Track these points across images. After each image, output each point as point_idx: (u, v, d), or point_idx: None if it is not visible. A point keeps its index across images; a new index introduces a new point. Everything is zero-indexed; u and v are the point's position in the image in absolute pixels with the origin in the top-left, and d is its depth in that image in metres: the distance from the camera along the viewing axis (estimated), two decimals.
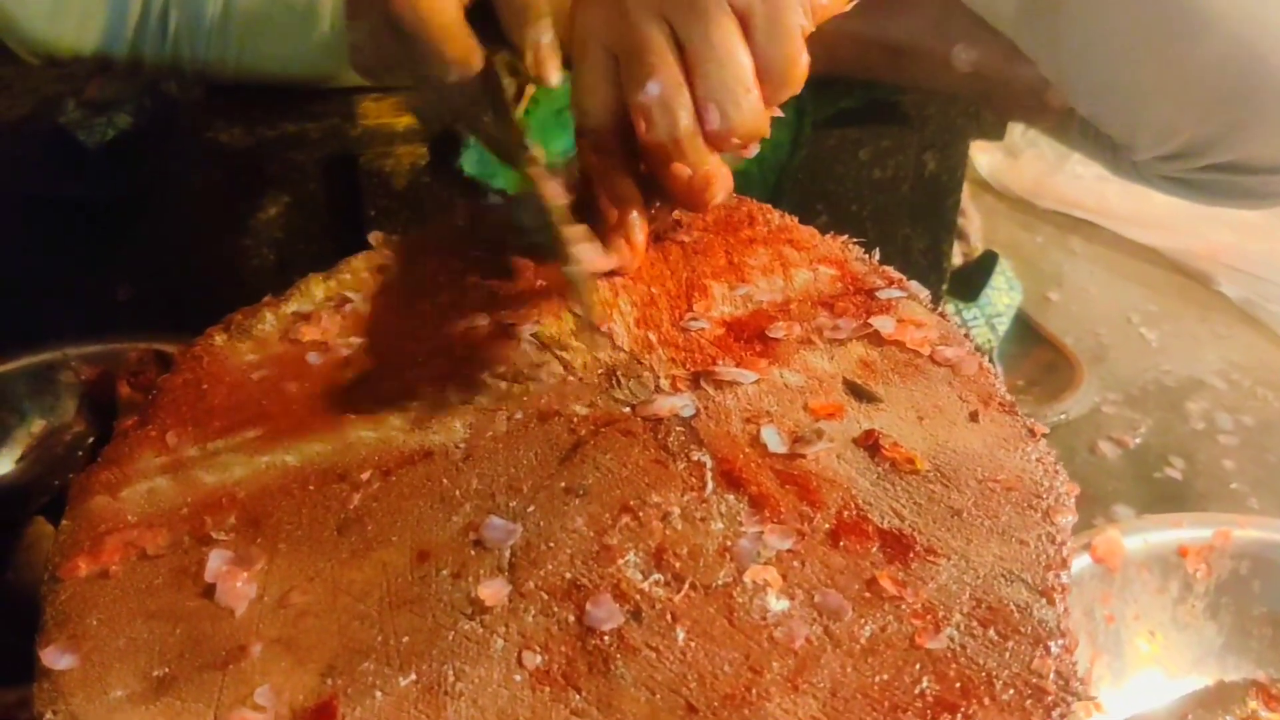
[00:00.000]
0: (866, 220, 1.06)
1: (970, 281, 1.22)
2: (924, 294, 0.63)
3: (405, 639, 0.46)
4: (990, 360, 1.18)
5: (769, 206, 0.70)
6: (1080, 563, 0.86)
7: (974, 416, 0.55)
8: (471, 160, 0.95)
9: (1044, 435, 0.55)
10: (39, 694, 0.45)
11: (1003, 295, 1.21)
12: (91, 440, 0.87)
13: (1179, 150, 0.94)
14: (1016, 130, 1.54)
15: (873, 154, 1.04)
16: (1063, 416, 1.14)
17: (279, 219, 1.00)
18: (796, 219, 0.69)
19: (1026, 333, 1.25)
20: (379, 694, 0.44)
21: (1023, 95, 0.99)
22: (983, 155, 1.54)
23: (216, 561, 0.49)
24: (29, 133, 1.23)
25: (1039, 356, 1.22)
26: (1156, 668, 0.89)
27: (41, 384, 0.95)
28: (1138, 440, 1.15)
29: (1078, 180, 1.49)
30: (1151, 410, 1.19)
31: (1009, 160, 1.54)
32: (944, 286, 1.16)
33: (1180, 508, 1.04)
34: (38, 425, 0.94)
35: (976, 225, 1.34)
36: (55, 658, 0.46)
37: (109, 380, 0.91)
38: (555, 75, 0.62)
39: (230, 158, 0.98)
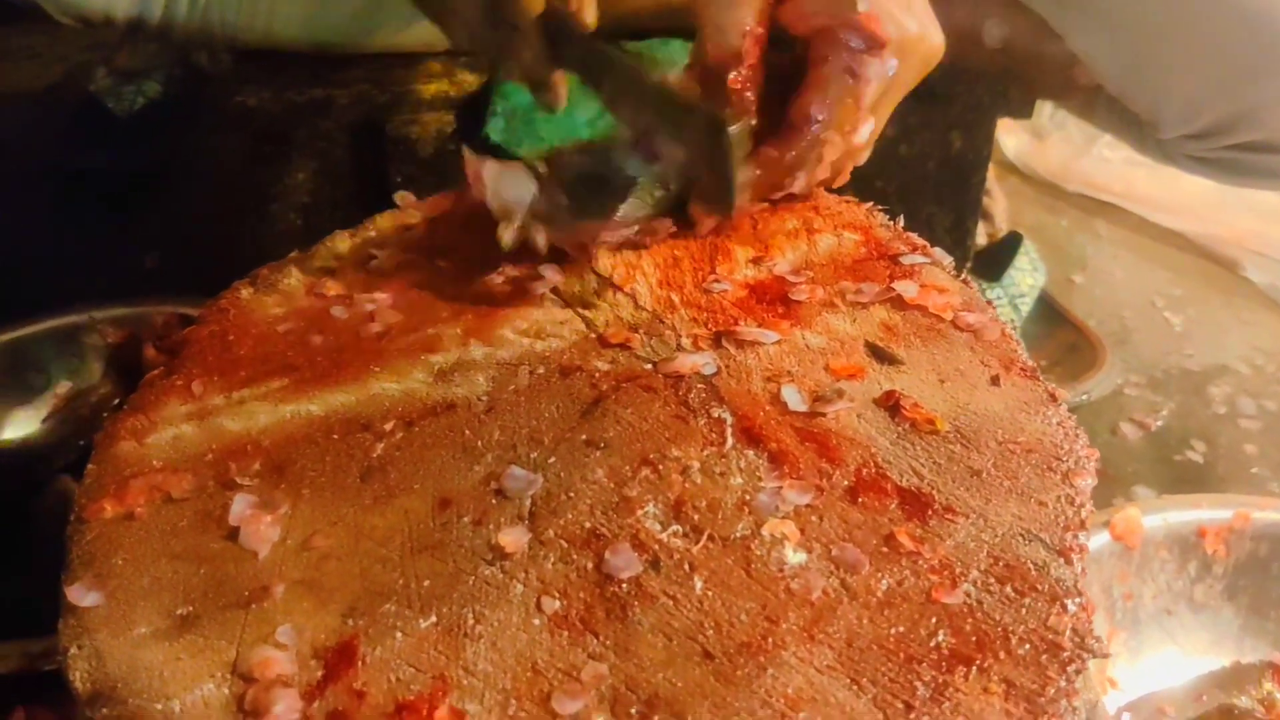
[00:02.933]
0: (892, 197, 1.06)
1: (994, 261, 1.21)
2: (947, 260, 0.63)
3: (426, 583, 0.46)
4: None
5: None
6: (1099, 540, 0.86)
7: (995, 380, 0.55)
8: (498, 128, 0.96)
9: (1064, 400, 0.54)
10: (64, 630, 0.46)
11: (1026, 276, 1.21)
12: (117, 402, 0.88)
13: (1205, 128, 0.93)
14: (1044, 113, 1.54)
15: (899, 130, 1.04)
16: (1084, 397, 1.13)
17: (306, 185, 1.00)
18: (821, 186, 0.69)
19: (1050, 314, 1.24)
20: (399, 635, 0.44)
21: (1051, 72, 0.99)
22: (1010, 138, 1.53)
23: (241, 505, 0.49)
24: (59, 101, 1.23)
25: (1062, 337, 1.22)
26: (1173, 647, 0.88)
27: (68, 346, 0.96)
28: (1159, 423, 1.14)
29: (1104, 164, 1.48)
30: (1174, 393, 1.18)
31: (1036, 143, 1.53)
32: (968, 265, 1.15)
33: (1200, 490, 1.03)
34: (63, 387, 0.94)
35: (1002, 206, 1.33)
36: (81, 595, 0.46)
37: (135, 343, 0.91)
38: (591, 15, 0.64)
39: (258, 123, 0.98)
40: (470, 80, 0.95)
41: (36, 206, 1.12)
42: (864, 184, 1.05)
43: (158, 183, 1.21)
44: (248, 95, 0.96)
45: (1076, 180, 1.49)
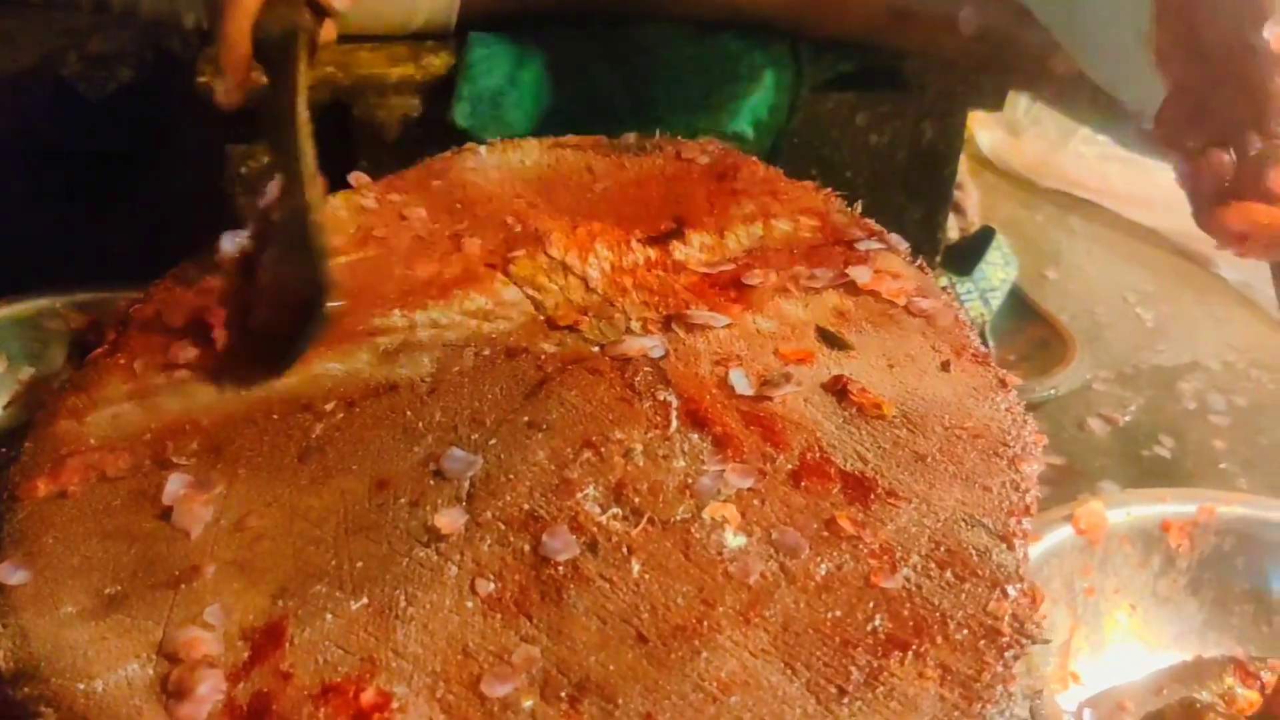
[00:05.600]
0: (861, 188, 1.05)
1: (966, 255, 1.21)
2: (903, 246, 0.63)
3: (359, 564, 0.45)
4: (983, 334, 1.18)
5: (755, 159, 0.70)
6: (1062, 534, 0.85)
7: (945, 366, 0.55)
8: (464, 112, 0.95)
9: (1015, 387, 0.54)
10: None
11: (998, 270, 1.20)
12: None
13: None
14: (1019, 108, 1.53)
15: (869, 119, 1.03)
16: (1052, 392, 1.13)
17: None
18: (781, 172, 0.69)
19: (1021, 309, 1.24)
20: (329, 616, 0.44)
21: (1027, 59, 0.98)
22: (985, 132, 1.52)
23: (175, 484, 0.49)
24: (31, 85, 1.22)
25: (1032, 332, 1.21)
26: (1136, 641, 0.88)
27: (31, 332, 0.94)
28: (1128, 418, 1.14)
29: (1079, 159, 1.47)
30: (1144, 389, 1.18)
31: (1011, 138, 1.53)
32: (938, 258, 1.15)
33: (1168, 485, 1.03)
34: (25, 373, 0.93)
35: (975, 200, 1.33)
36: (8, 573, 0.46)
37: (98, 328, 0.90)
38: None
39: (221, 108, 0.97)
40: (436, 64, 0.95)
41: (5, 190, 1.10)
42: (833, 174, 1.04)
43: (129, 167, 1.20)
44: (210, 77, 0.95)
45: (1051, 176, 1.48)
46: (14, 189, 1.13)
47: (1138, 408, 1.15)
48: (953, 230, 1.27)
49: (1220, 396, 1.19)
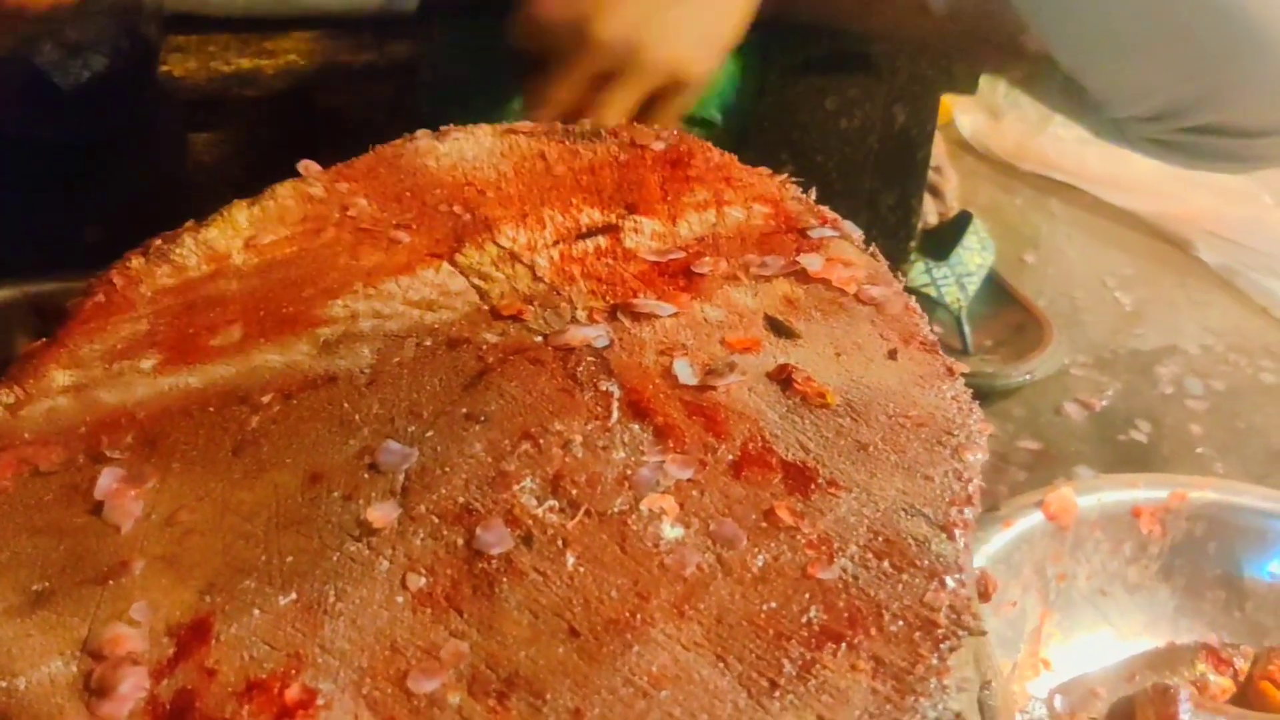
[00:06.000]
0: (833, 173, 1.05)
1: (942, 240, 1.20)
2: (857, 234, 0.62)
3: (289, 559, 0.45)
4: (959, 319, 1.17)
5: (709, 144, 0.69)
6: (1032, 520, 0.85)
7: (893, 354, 0.54)
8: (429, 100, 0.94)
9: (963, 375, 0.53)
10: None
11: (974, 255, 1.20)
12: None
13: (1159, 110, 0.92)
14: (999, 92, 1.53)
15: (839, 103, 1.02)
16: (1028, 377, 1.13)
17: (237, 158, 0.99)
18: (735, 158, 0.68)
19: (999, 293, 1.23)
20: (257, 611, 0.43)
21: (998, 39, 0.98)
22: (965, 116, 1.52)
23: (107, 479, 0.48)
24: (4, 73, 1.21)
25: (1009, 317, 1.21)
26: (1107, 628, 0.88)
27: None
28: (1104, 403, 1.13)
29: (1059, 143, 1.47)
30: (1121, 373, 1.18)
31: (991, 121, 1.52)
32: (913, 243, 1.14)
33: (1144, 470, 1.03)
34: None
35: (954, 185, 1.32)
36: None
37: (63, 317, 0.89)
38: None
39: (187, 95, 0.97)
40: (400, 51, 0.94)
41: None
42: (804, 159, 1.04)
43: (101, 156, 1.19)
44: (174, 65, 0.94)
45: (1031, 159, 1.48)
46: None
47: (1115, 392, 1.15)
48: (931, 215, 1.26)
49: (1198, 381, 1.19)
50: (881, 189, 1.08)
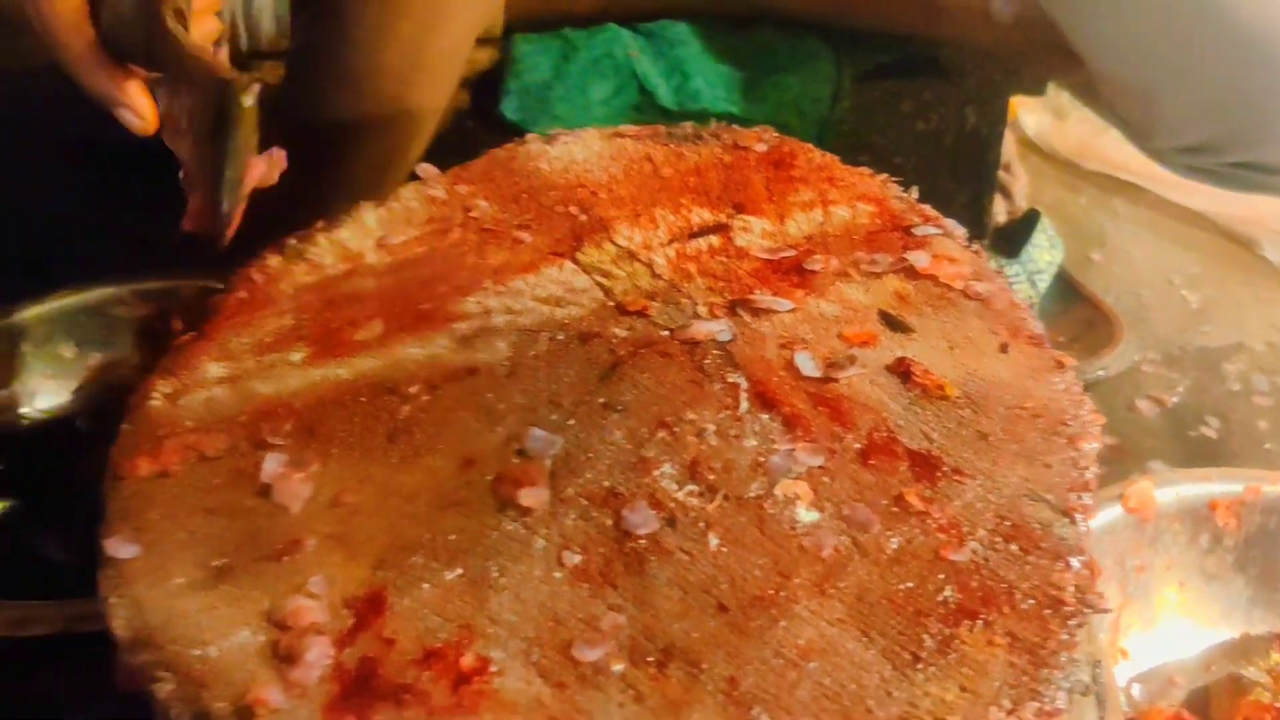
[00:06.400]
0: (911, 173, 1.05)
1: (1013, 238, 1.22)
2: (959, 231, 0.65)
3: (451, 537, 0.48)
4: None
5: (811, 145, 0.71)
6: (1112, 513, 0.86)
7: (1003, 348, 0.57)
8: (512, 106, 0.97)
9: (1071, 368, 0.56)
10: (103, 581, 0.47)
11: (1044, 253, 1.22)
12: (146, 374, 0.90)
13: (1196, 145, 0.93)
14: (1063, 92, 1.53)
15: (915, 106, 1.05)
16: (1101, 373, 1.14)
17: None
18: (836, 159, 0.71)
19: (1068, 291, 1.25)
20: (426, 585, 0.46)
21: (1056, 51, 0.99)
22: (1030, 116, 1.53)
23: (273, 464, 0.51)
24: (59, 75, 1.24)
25: (1079, 314, 1.22)
26: (1185, 617, 0.89)
27: (98, 319, 0.97)
28: (1175, 399, 1.15)
29: (1122, 143, 1.46)
30: (1189, 370, 1.19)
31: (1056, 121, 1.53)
32: (985, 241, 1.16)
33: (1214, 465, 1.04)
34: (94, 359, 0.96)
35: (1023, 184, 1.34)
36: (119, 547, 0.48)
37: (163, 316, 0.93)
38: None
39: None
40: (483, 58, 0.97)
41: (65, 180, 1.13)
42: (883, 160, 1.06)
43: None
44: (267, 73, 0.97)
45: (1095, 159, 1.49)
46: (71, 178, 1.15)
47: (1184, 389, 1.17)
48: (1000, 214, 1.28)
49: (1264, 377, 1.20)
50: (956, 188, 1.10)
